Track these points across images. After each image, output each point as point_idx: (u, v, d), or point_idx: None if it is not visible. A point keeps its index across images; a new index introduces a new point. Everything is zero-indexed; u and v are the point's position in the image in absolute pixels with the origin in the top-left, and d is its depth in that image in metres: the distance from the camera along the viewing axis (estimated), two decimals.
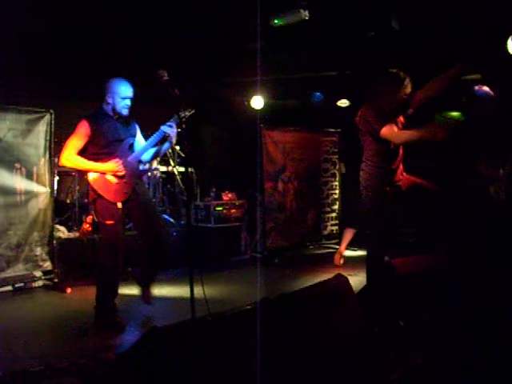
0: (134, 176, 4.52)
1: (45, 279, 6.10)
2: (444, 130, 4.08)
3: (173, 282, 6.02)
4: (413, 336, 3.66)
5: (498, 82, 5.93)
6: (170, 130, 4.35)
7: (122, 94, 4.38)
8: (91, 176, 4.38)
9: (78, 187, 7.03)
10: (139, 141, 4.65)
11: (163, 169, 8.04)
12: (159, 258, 4.68)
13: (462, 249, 4.57)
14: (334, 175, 9.04)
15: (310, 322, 2.79)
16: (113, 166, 4.34)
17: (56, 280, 6.04)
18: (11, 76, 6.83)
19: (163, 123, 4.37)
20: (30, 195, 5.96)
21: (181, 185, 7.98)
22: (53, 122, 6.11)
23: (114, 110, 4.41)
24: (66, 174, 7.25)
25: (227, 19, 6.55)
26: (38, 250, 6.02)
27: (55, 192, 6.49)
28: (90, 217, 6.53)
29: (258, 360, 2.29)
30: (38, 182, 6.04)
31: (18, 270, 5.84)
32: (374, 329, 3.50)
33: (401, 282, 3.84)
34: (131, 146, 4.55)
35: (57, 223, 6.52)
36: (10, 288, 5.82)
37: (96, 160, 4.35)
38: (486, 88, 5.22)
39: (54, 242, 6.15)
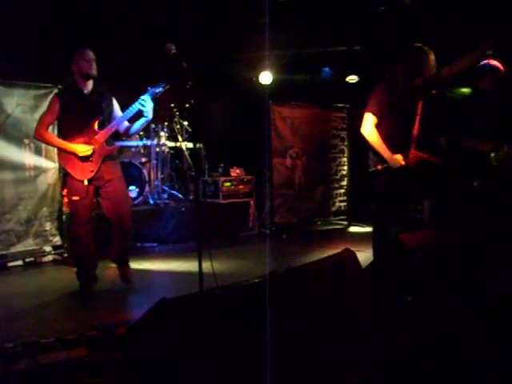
0: (102, 154, 4.55)
1: (54, 254, 6.16)
2: (400, 163, 4.30)
3: (181, 257, 6.06)
4: (419, 311, 3.67)
5: None
6: (144, 104, 4.45)
7: (86, 57, 4.51)
8: (59, 153, 4.60)
9: None
10: (117, 116, 4.72)
11: (171, 144, 8.03)
12: (124, 239, 4.79)
13: (468, 222, 4.57)
14: (342, 151, 8.99)
15: (317, 295, 2.80)
16: (79, 148, 4.44)
17: (65, 255, 6.10)
18: (18, 51, 6.81)
19: (137, 98, 4.46)
20: (39, 170, 5.99)
21: (189, 160, 7.97)
22: None
23: (82, 75, 4.53)
24: None
25: None
26: (48, 225, 6.06)
27: None
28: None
29: (266, 332, 2.31)
30: (47, 157, 6.05)
31: (29, 244, 5.89)
32: (380, 303, 3.51)
33: (408, 256, 3.83)
34: (101, 123, 4.58)
35: None
36: (20, 262, 5.88)
37: (66, 136, 4.53)
38: (494, 62, 5.12)
39: (64, 217, 6.20)
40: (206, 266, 3.33)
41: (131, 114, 4.57)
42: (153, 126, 7.57)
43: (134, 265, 5.62)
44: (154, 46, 4.06)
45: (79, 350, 3.01)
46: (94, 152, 4.49)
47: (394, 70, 4.49)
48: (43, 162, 6.01)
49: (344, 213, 8.93)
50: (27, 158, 5.87)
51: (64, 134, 4.57)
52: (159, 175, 7.63)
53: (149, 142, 7.62)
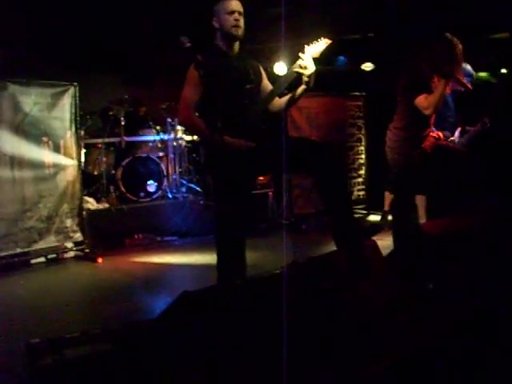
0: (256, 135, 3.48)
1: (76, 250, 6.20)
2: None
3: (202, 250, 6.08)
4: (441, 299, 3.65)
5: None
6: (303, 67, 3.39)
7: (228, 9, 3.52)
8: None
9: (104, 159, 7.09)
10: (266, 88, 3.68)
11: (188, 138, 8.04)
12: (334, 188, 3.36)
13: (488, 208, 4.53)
14: (359, 140, 8.94)
15: (338, 284, 2.80)
16: (239, 143, 3.38)
17: (87, 250, 6.14)
18: (34, 50, 6.87)
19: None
20: (58, 168, 6.03)
21: None
22: (77, 94, 6.13)
23: (224, 35, 3.57)
24: (92, 146, 7.32)
25: None
26: (69, 222, 6.10)
27: (83, 164, 6.56)
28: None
29: (287, 323, 2.31)
30: (66, 154, 6.09)
31: (50, 241, 5.94)
32: (402, 291, 3.49)
33: (429, 244, 3.82)
34: (253, 95, 3.57)
35: (85, 195, 6.61)
36: (43, 259, 5.94)
37: (206, 114, 3.50)
38: None
39: (84, 213, 6.24)
40: None
41: (288, 83, 3.53)
42: (169, 119, 7.59)
43: (155, 258, 5.68)
44: (169, 39, 4.02)
45: (104, 344, 3.04)
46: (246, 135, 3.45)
47: (417, 57, 4.45)
48: (62, 160, 6.05)
49: (363, 201, 8.89)
50: (46, 155, 5.90)
51: (204, 113, 3.52)
52: (177, 169, 7.65)
53: (166, 137, 7.64)
